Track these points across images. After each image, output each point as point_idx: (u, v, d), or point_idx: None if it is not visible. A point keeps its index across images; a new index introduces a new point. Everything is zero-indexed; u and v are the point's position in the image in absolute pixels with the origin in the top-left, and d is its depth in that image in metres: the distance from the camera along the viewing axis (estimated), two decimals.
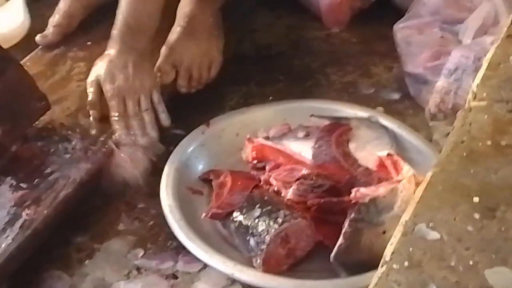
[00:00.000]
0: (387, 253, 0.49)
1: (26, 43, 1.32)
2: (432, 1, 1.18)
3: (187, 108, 1.16)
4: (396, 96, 1.22)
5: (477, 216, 0.51)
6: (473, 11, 1.13)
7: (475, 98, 0.64)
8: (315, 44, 1.36)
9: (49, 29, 1.25)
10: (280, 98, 1.19)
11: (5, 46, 1.04)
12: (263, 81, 1.26)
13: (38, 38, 1.24)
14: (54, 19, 1.25)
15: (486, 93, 0.64)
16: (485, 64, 0.68)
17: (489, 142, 0.58)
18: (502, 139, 0.58)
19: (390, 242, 0.49)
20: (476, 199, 0.52)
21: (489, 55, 0.69)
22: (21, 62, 1.15)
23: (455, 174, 0.55)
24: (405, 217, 0.53)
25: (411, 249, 0.49)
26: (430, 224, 0.51)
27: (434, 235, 0.49)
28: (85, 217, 0.98)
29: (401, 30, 1.20)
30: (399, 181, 0.88)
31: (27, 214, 0.91)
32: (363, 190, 0.86)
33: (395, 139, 1.05)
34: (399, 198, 0.85)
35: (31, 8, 1.39)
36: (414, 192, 0.56)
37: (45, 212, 0.91)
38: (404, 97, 1.21)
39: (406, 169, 0.91)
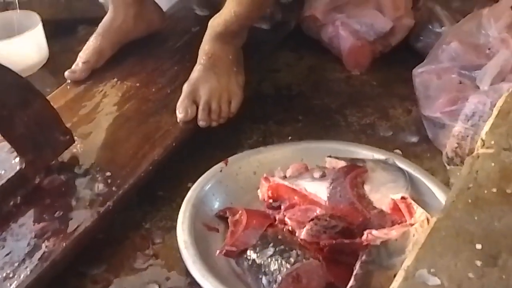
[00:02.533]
0: None
1: (48, 74, 1.37)
2: (451, 47, 1.20)
3: (207, 145, 1.18)
4: (414, 139, 1.23)
5: (478, 263, 0.52)
6: (491, 58, 1.14)
7: (483, 145, 0.65)
8: (335, 86, 1.39)
9: (78, 65, 1.29)
10: (298, 138, 1.21)
11: (24, 74, 1.08)
12: (282, 120, 1.28)
13: (67, 73, 1.28)
14: (84, 55, 1.29)
15: (494, 140, 0.65)
16: (495, 112, 0.70)
17: (494, 190, 0.59)
18: (507, 187, 0.59)
19: (391, 287, 0.50)
20: (478, 246, 0.53)
21: (499, 103, 0.71)
22: (49, 96, 1.20)
23: (460, 221, 0.56)
24: (407, 262, 0.54)
25: None
26: (432, 270, 0.52)
27: (434, 280, 0.50)
28: (101, 249, 1.00)
29: (420, 74, 1.22)
30: (411, 225, 0.89)
31: (46, 246, 0.93)
32: (375, 232, 0.86)
33: (411, 182, 1.05)
34: (410, 242, 0.85)
35: (50, 39, 1.44)
36: None
37: (64, 244, 0.94)
38: (422, 140, 1.22)
39: (420, 213, 0.92)
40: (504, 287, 0.49)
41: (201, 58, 1.20)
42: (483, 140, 0.66)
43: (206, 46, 1.20)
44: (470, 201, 0.58)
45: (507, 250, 0.53)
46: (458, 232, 0.55)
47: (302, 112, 1.30)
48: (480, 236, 0.54)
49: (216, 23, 1.19)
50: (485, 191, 0.59)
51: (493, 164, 0.62)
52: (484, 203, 0.58)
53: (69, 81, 1.28)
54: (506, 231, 0.55)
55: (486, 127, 0.68)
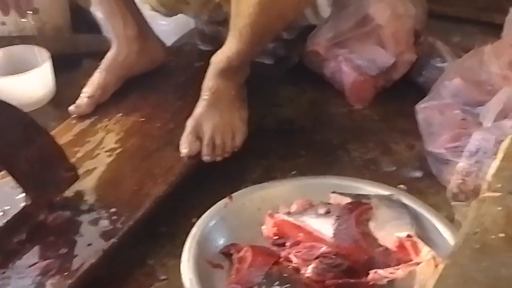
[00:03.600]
0: None
1: (54, 109, 1.38)
2: (453, 83, 1.21)
3: (210, 180, 1.19)
4: (418, 174, 1.24)
5: None
6: (493, 95, 1.15)
7: (489, 189, 0.65)
8: (337, 120, 1.39)
9: (83, 100, 1.30)
10: (301, 173, 1.21)
11: (30, 109, 1.08)
12: (285, 155, 1.28)
13: (71, 108, 1.29)
14: (88, 89, 1.30)
15: (501, 184, 0.65)
16: (500, 154, 0.70)
17: (502, 235, 0.59)
18: None
19: None
20: None
21: (504, 145, 0.71)
22: (53, 132, 1.21)
23: (467, 268, 0.56)
24: None
25: None
26: None
27: None
28: (105, 287, 1.00)
29: (423, 110, 1.23)
30: (417, 264, 0.89)
31: (51, 284, 0.93)
32: (380, 272, 0.86)
33: (415, 218, 1.05)
34: (417, 281, 0.85)
35: (55, 73, 1.45)
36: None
37: (69, 282, 0.93)
38: (426, 176, 1.22)
39: (426, 251, 0.92)
40: None
41: (205, 94, 1.21)
42: (489, 183, 0.66)
43: (209, 82, 1.22)
44: (477, 247, 0.58)
45: None
46: (465, 280, 0.55)
47: (305, 147, 1.31)
48: (487, 284, 0.54)
49: (218, 59, 1.21)
50: (492, 237, 0.59)
51: (499, 208, 0.62)
52: (491, 249, 0.58)
53: (73, 115, 1.28)
54: None
55: (492, 170, 0.68)
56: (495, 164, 0.69)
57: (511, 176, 0.66)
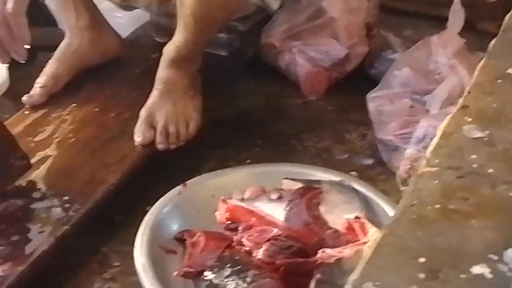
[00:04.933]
0: None
1: (8, 101, 1.36)
2: (402, 73, 1.24)
3: (164, 170, 1.19)
4: (369, 161, 1.26)
5: (421, 276, 0.54)
6: (440, 83, 1.19)
7: (427, 164, 0.68)
8: (293, 111, 1.41)
9: (36, 90, 1.29)
10: (256, 163, 1.23)
11: None
12: (240, 146, 1.29)
13: (24, 98, 1.28)
14: (41, 80, 1.30)
15: (438, 160, 0.68)
16: (439, 133, 0.73)
17: (437, 206, 0.61)
18: (449, 204, 0.61)
19: None
20: (422, 260, 0.55)
21: (443, 125, 0.74)
22: (7, 122, 1.20)
23: (403, 237, 0.58)
24: (353, 276, 0.56)
25: None
26: (377, 283, 0.54)
27: None
28: (58, 274, 1.00)
29: (373, 99, 1.26)
30: (365, 243, 0.91)
31: (2, 270, 0.93)
32: (328, 251, 0.89)
33: (365, 203, 1.08)
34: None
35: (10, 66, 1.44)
36: None
37: (20, 268, 0.93)
38: (376, 163, 1.25)
39: (373, 232, 0.95)
40: None
41: (157, 83, 1.23)
42: (427, 160, 0.69)
43: (161, 72, 1.23)
44: (414, 217, 0.60)
45: (449, 264, 0.55)
46: (401, 248, 0.57)
47: (260, 137, 1.32)
48: (422, 252, 0.56)
49: (168, 49, 1.22)
50: (428, 207, 0.61)
51: (436, 182, 0.65)
52: (427, 220, 0.60)
53: (27, 106, 1.28)
54: (447, 247, 0.57)
55: (431, 147, 0.71)
56: (433, 142, 0.72)
57: (448, 152, 0.69)
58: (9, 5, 1.00)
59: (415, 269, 0.55)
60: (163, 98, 1.21)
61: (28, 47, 1.08)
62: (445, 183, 0.65)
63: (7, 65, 1.23)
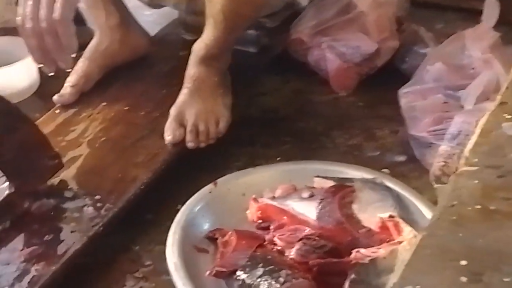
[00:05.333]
0: None
1: (38, 100, 1.37)
2: (435, 68, 1.22)
3: (195, 169, 1.19)
4: (401, 158, 1.24)
5: (463, 279, 0.53)
6: (474, 78, 1.16)
7: (466, 163, 0.66)
8: (322, 108, 1.40)
9: (66, 89, 1.30)
10: (286, 160, 1.21)
11: (14, 101, 1.08)
12: (269, 143, 1.28)
13: (55, 97, 1.29)
14: (71, 79, 1.30)
15: (477, 159, 0.66)
16: (477, 130, 0.71)
17: (478, 207, 0.60)
18: (490, 204, 0.60)
19: None
20: (463, 263, 0.54)
21: (482, 122, 0.72)
22: (38, 121, 1.20)
23: (443, 239, 0.57)
24: (393, 280, 0.55)
25: None
26: (417, 287, 0.53)
27: None
28: (90, 273, 1.00)
29: (405, 95, 1.24)
30: (399, 243, 0.90)
31: (36, 270, 0.93)
32: (363, 251, 0.87)
33: (399, 201, 1.06)
34: (399, 260, 0.86)
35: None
36: None
37: (53, 268, 0.94)
38: (409, 160, 1.23)
39: (407, 231, 0.93)
40: None
41: (187, 81, 1.22)
42: (466, 158, 0.67)
43: (190, 70, 1.23)
44: (454, 218, 0.59)
45: (491, 267, 0.54)
46: (442, 250, 0.56)
47: (289, 134, 1.31)
48: (462, 254, 0.55)
49: (198, 47, 1.22)
50: (469, 208, 0.60)
51: (476, 181, 0.63)
52: (467, 221, 0.59)
53: (58, 105, 1.28)
54: (489, 249, 0.56)
55: (469, 145, 0.69)
56: (472, 140, 0.70)
57: (487, 151, 0.67)
58: (57, 13, 0.99)
59: (457, 272, 0.54)
60: (193, 96, 1.20)
61: (74, 55, 1.06)
62: (485, 182, 0.63)
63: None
